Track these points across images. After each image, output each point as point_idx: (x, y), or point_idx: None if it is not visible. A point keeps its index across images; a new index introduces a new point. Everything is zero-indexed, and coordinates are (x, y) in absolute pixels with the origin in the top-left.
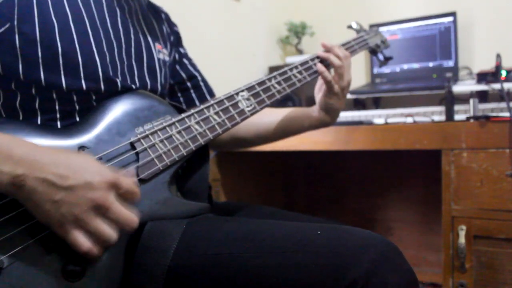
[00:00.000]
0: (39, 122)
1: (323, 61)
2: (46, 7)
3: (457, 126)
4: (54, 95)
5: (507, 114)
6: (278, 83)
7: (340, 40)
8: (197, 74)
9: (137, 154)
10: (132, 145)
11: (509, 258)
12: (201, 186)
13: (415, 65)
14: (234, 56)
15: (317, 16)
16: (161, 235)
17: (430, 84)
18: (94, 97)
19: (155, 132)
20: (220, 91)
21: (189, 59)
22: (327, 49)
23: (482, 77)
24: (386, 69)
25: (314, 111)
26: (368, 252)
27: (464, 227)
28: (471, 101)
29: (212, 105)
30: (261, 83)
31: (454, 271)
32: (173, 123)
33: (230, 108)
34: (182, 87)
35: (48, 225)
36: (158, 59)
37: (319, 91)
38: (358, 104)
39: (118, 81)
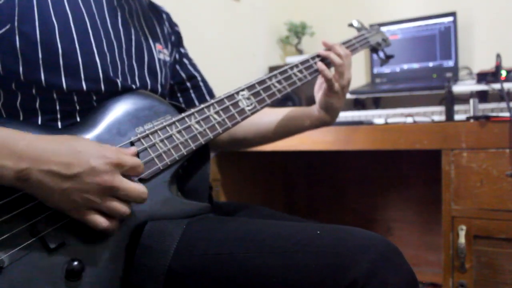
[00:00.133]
0: (39, 122)
1: (324, 59)
2: (46, 8)
3: (457, 126)
4: (55, 96)
5: (507, 114)
6: (279, 82)
7: (341, 39)
8: (197, 74)
9: (137, 153)
10: (133, 145)
11: (509, 258)
12: (202, 186)
13: (415, 65)
14: (234, 56)
15: (317, 16)
16: (161, 235)
17: (430, 84)
18: (94, 98)
19: (155, 131)
20: (220, 91)
21: (189, 59)
22: (328, 48)
23: (482, 77)
24: (386, 69)
25: (314, 110)
26: (368, 252)
27: (464, 227)
28: (471, 101)
29: (212, 104)
30: (261, 82)
31: (454, 271)
32: (173, 123)
33: (231, 107)
34: (182, 87)
35: (62, 211)
36: (159, 60)
37: (319, 90)
38: (358, 104)
39: (119, 81)
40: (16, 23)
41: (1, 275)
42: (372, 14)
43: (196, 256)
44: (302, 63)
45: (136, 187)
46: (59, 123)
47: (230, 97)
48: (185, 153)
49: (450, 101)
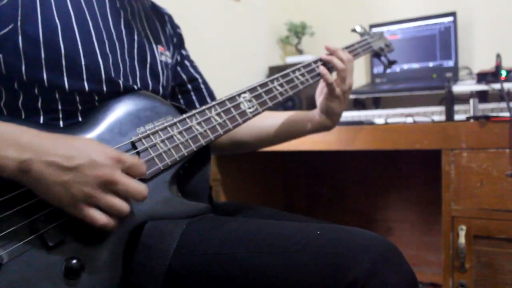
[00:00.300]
0: (41, 121)
1: (326, 64)
2: (49, 8)
3: (457, 126)
4: (57, 96)
5: (507, 114)
6: (281, 85)
7: (341, 40)
8: (198, 76)
9: (138, 153)
10: (133, 145)
11: (509, 258)
12: (202, 187)
13: (415, 65)
14: (234, 56)
15: (317, 16)
16: (161, 235)
17: (430, 84)
18: (96, 98)
19: (156, 132)
20: (220, 91)
21: (191, 61)
22: (331, 52)
23: (482, 77)
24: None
25: (315, 114)
26: (368, 252)
27: (464, 227)
28: (471, 101)
29: (213, 106)
30: (263, 85)
31: (454, 271)
32: (175, 123)
33: (232, 109)
34: (183, 89)
35: (61, 206)
36: (161, 61)
37: (320, 95)
38: (358, 104)
39: (120, 82)
40: (19, 23)
41: (0, 271)
42: (372, 14)
43: (196, 255)
44: (304, 66)
45: (135, 184)
46: (61, 123)
47: (232, 99)
48: (185, 154)
49: (450, 101)
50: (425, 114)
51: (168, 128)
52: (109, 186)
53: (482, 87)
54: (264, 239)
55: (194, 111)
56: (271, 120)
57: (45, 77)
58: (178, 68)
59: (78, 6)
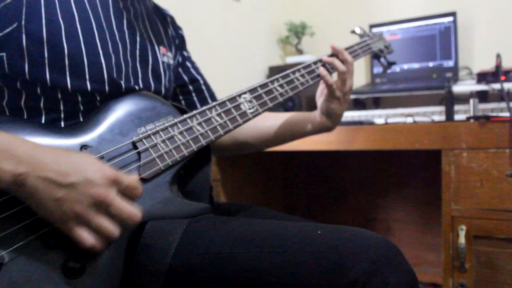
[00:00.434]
0: (43, 121)
1: (326, 64)
2: (53, 8)
3: (457, 126)
4: (59, 95)
5: (507, 114)
6: (281, 86)
7: (341, 40)
8: (199, 77)
9: (138, 153)
10: (134, 145)
11: (509, 258)
12: (203, 187)
13: (415, 65)
14: (234, 56)
15: (317, 16)
16: (162, 234)
17: (430, 84)
18: (98, 98)
19: (157, 132)
20: (220, 91)
21: (192, 63)
22: (336, 52)
23: (482, 77)
24: None
25: (315, 116)
26: (368, 252)
27: (464, 227)
28: (471, 101)
29: (214, 106)
30: (263, 86)
31: (454, 271)
32: (175, 124)
33: (232, 110)
34: (184, 90)
35: (51, 222)
36: (163, 62)
37: (320, 96)
38: (358, 104)
39: (122, 82)
40: (23, 22)
41: (1, 271)
42: (372, 14)
43: (197, 255)
44: (305, 67)
45: (129, 208)
46: (63, 123)
47: (232, 99)
48: (186, 154)
49: (450, 101)
50: (425, 114)
51: (169, 129)
52: (101, 207)
53: (482, 87)
54: (264, 239)
55: (194, 112)
56: (272, 121)
57: (47, 76)
58: (180, 69)
59: (82, 6)
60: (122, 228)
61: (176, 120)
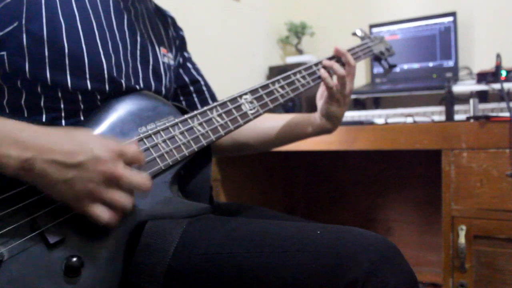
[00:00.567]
0: (43, 120)
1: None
2: (54, 7)
3: (457, 126)
4: (60, 94)
5: (507, 114)
6: (282, 87)
7: (341, 40)
8: (200, 78)
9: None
10: None
11: (509, 258)
12: (203, 187)
13: (415, 65)
14: (234, 56)
15: (317, 16)
16: (161, 234)
17: (430, 84)
18: (99, 97)
19: (158, 132)
20: (220, 91)
21: (193, 64)
22: (339, 54)
23: (482, 77)
24: None
25: (315, 118)
26: (368, 252)
27: (464, 227)
28: (471, 101)
29: (215, 107)
30: (264, 87)
31: (454, 271)
32: (176, 124)
33: (233, 111)
34: (185, 91)
35: (65, 202)
36: (163, 63)
37: (320, 98)
38: (358, 104)
39: (123, 82)
40: (23, 21)
41: (0, 268)
42: (372, 14)
43: (196, 255)
44: (306, 69)
45: (139, 177)
46: (63, 122)
47: (233, 100)
48: (187, 154)
49: (450, 101)
50: (425, 114)
51: (170, 128)
52: (112, 181)
53: (482, 87)
54: (264, 239)
55: (195, 112)
56: (272, 122)
57: (48, 75)
58: (181, 70)
59: (82, 6)
60: (133, 196)
61: (177, 120)
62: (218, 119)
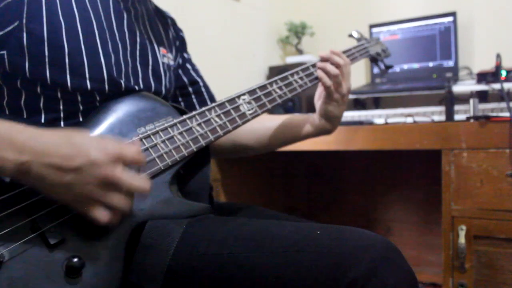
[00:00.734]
0: (42, 121)
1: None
2: (54, 7)
3: (457, 126)
4: (59, 95)
5: (507, 114)
6: (280, 88)
7: (341, 40)
8: (199, 80)
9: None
10: None
11: (509, 258)
12: (202, 187)
13: (415, 65)
14: (234, 56)
15: (317, 16)
16: (161, 235)
17: (430, 84)
18: (98, 98)
19: (157, 132)
20: (220, 91)
21: (192, 65)
22: (325, 59)
23: (482, 77)
24: None
25: (314, 118)
26: (368, 252)
27: (464, 227)
28: (471, 101)
29: (213, 107)
30: (262, 87)
31: (454, 271)
32: (175, 124)
33: (232, 111)
34: (184, 92)
35: (64, 203)
36: (163, 63)
37: (319, 99)
38: (358, 104)
39: (122, 82)
40: (24, 21)
41: (1, 270)
42: (372, 14)
43: (196, 256)
44: (303, 70)
45: (138, 180)
46: (62, 123)
47: (231, 101)
48: (186, 155)
49: (450, 101)
50: (425, 114)
51: (169, 129)
52: (110, 185)
53: (482, 87)
54: (264, 239)
55: (194, 112)
56: (270, 123)
57: (48, 75)
58: (180, 71)
59: (82, 6)
60: (133, 198)
61: (175, 121)
62: (217, 119)
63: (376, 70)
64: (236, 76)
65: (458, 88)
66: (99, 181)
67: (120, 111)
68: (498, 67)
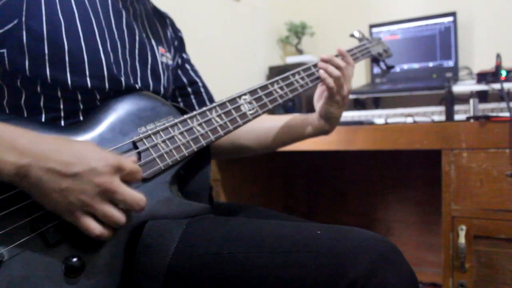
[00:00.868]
0: (43, 120)
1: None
2: (53, 5)
3: (457, 126)
4: (59, 93)
5: (507, 114)
6: (281, 88)
7: (341, 40)
8: (198, 80)
9: (139, 153)
10: (135, 144)
11: (509, 258)
12: (202, 187)
13: (415, 65)
14: (234, 56)
15: (317, 16)
16: (161, 234)
17: (430, 84)
18: (98, 97)
19: (158, 132)
20: (220, 91)
21: (191, 65)
22: (326, 61)
23: (482, 77)
24: None
25: (314, 119)
26: (368, 252)
27: (464, 227)
28: (471, 101)
29: (214, 107)
30: (263, 87)
31: (454, 271)
32: (176, 124)
33: (232, 111)
34: (183, 92)
35: (57, 213)
36: (161, 62)
37: (319, 99)
38: (358, 104)
39: (122, 79)
40: (23, 18)
41: (0, 269)
42: (372, 14)
43: (196, 255)
44: (304, 70)
45: (134, 194)
46: (62, 122)
47: (232, 101)
48: (186, 154)
49: (450, 101)
50: (425, 114)
51: (169, 129)
52: (107, 195)
53: (482, 87)
54: (264, 239)
55: (195, 112)
56: (270, 124)
57: (48, 73)
58: (179, 71)
59: (81, 4)
60: (128, 215)
61: (176, 121)
62: (218, 119)
63: (376, 70)
64: (236, 76)
65: (458, 88)
66: (96, 190)
67: (121, 110)
68: (498, 67)
